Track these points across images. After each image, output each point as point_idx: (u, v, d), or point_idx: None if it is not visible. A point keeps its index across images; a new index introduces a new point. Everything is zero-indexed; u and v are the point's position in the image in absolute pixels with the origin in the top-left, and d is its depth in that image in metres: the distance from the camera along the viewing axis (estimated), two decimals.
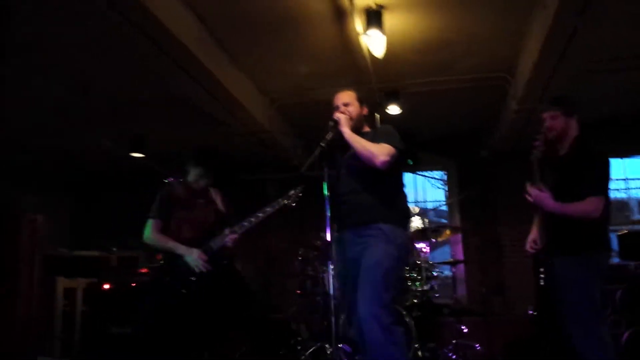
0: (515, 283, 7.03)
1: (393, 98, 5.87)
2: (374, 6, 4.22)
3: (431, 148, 7.66)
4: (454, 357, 4.83)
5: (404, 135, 3.09)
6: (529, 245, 3.45)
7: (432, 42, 4.94)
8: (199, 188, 3.81)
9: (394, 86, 5.82)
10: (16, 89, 5.52)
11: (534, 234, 3.46)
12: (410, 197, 8.63)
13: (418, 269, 5.04)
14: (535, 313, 4.54)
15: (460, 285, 7.61)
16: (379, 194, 3.02)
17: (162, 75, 5.09)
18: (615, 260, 5.52)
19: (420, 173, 8.20)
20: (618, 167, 8.46)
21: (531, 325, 4.77)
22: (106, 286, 5.78)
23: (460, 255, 7.63)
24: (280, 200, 3.45)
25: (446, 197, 8.48)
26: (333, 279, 3.00)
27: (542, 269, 3.31)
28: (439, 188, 8.60)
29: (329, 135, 3.06)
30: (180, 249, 3.57)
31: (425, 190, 9.23)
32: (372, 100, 5.55)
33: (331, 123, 3.09)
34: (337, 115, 3.11)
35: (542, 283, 3.31)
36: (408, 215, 3.37)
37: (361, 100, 3.26)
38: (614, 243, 5.56)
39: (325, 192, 3.02)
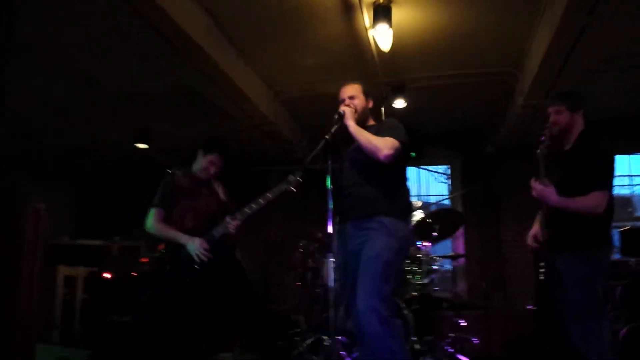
0: (516, 279, 7.04)
1: (399, 92, 5.86)
2: (382, 0, 4.20)
3: (436, 142, 7.66)
4: (451, 350, 4.83)
5: (409, 129, 3.09)
6: (529, 240, 3.44)
7: (439, 37, 4.93)
8: (205, 177, 3.80)
9: (400, 80, 5.81)
10: (21, 83, 5.54)
11: (535, 229, 3.45)
12: (414, 191, 8.62)
13: (418, 262, 5.03)
14: (534, 308, 4.54)
15: (461, 280, 7.62)
16: (382, 187, 3.02)
17: (168, 68, 5.11)
18: (616, 256, 5.52)
19: (424, 167, 8.20)
20: (622, 164, 8.44)
21: (530, 321, 4.78)
22: (107, 275, 5.80)
23: (461, 250, 7.64)
24: (280, 185, 3.44)
25: (449, 191, 8.46)
26: (332, 271, 2.99)
27: (542, 264, 3.30)
28: (442, 182, 8.58)
29: (334, 128, 3.05)
30: (182, 238, 3.57)
31: (428, 184, 9.22)
32: (378, 94, 5.54)
33: (336, 116, 3.08)
34: (343, 108, 3.11)
35: (541, 277, 3.30)
36: (410, 208, 3.37)
37: (367, 94, 3.25)
38: (616, 239, 5.56)
39: (329, 184, 3.01)
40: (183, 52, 4.56)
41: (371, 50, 4.92)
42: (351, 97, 3.19)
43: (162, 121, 6.93)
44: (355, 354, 4.25)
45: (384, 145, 2.92)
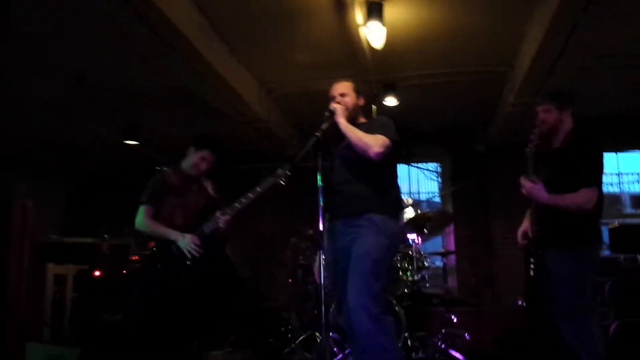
0: (506, 275, 7.08)
1: (390, 90, 5.86)
2: None
3: (427, 140, 7.68)
4: (442, 346, 4.86)
5: (399, 127, 3.09)
6: (519, 237, 3.46)
7: (431, 35, 4.93)
8: (195, 174, 3.79)
9: (391, 78, 5.81)
10: (14, 81, 5.51)
11: (524, 226, 3.48)
12: (404, 189, 8.64)
13: (409, 259, 5.05)
14: (524, 305, 4.57)
15: (451, 276, 7.66)
16: (372, 184, 3.02)
17: (161, 66, 5.10)
18: (605, 252, 5.57)
19: (415, 165, 8.22)
20: (611, 162, 8.51)
21: (520, 316, 4.81)
22: (97, 273, 5.77)
23: (452, 246, 7.67)
24: (269, 179, 3.43)
25: (439, 188, 8.49)
26: (324, 268, 3.00)
27: (532, 260, 3.33)
28: (432, 180, 8.62)
29: (324, 126, 3.05)
30: (173, 234, 3.55)
31: (419, 181, 9.25)
32: (370, 92, 5.54)
33: (327, 113, 3.08)
34: (333, 106, 3.11)
35: (531, 274, 3.33)
36: (400, 205, 3.37)
37: (358, 91, 3.25)
38: (605, 236, 5.60)
39: (319, 182, 3.02)
40: (176, 50, 4.54)
41: (363, 48, 4.91)
42: (342, 95, 3.18)
43: (154, 119, 6.91)
44: (347, 351, 4.26)
45: (374, 143, 2.92)
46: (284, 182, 3.26)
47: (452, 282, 7.59)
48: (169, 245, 3.55)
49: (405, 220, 5.41)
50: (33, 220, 4.78)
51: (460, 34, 4.92)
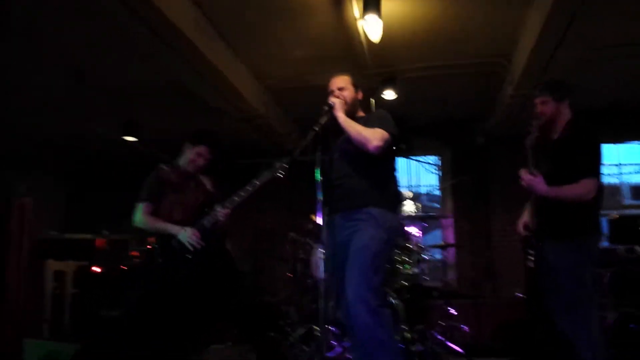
0: (505, 268, 7.08)
1: (389, 83, 5.83)
2: None
3: (426, 133, 7.66)
4: (442, 338, 4.86)
5: (398, 120, 3.08)
6: (520, 228, 3.46)
7: (429, 28, 4.91)
8: (192, 170, 3.79)
9: (390, 71, 5.78)
10: (12, 78, 5.50)
11: (525, 217, 3.48)
12: (404, 182, 8.63)
13: (409, 252, 5.05)
14: (523, 297, 4.58)
15: (451, 269, 7.67)
16: (371, 178, 3.02)
17: (158, 61, 5.07)
18: (605, 244, 5.57)
19: (414, 158, 8.20)
20: (611, 153, 8.50)
21: (520, 308, 4.81)
22: (96, 269, 5.77)
23: (451, 239, 7.67)
24: (267, 172, 3.44)
25: (439, 182, 8.48)
26: (322, 262, 3.00)
27: (531, 252, 3.32)
28: (432, 173, 8.60)
29: (323, 120, 3.05)
30: (173, 228, 3.56)
31: (419, 174, 9.23)
32: (368, 85, 5.53)
33: (325, 107, 3.08)
34: (332, 100, 3.11)
35: (531, 265, 3.32)
36: (399, 199, 3.37)
37: (356, 85, 3.25)
38: (604, 227, 5.60)
39: (318, 176, 3.01)
40: (173, 47, 4.53)
41: (361, 41, 4.89)
42: (340, 89, 3.18)
43: (153, 116, 6.89)
44: (346, 344, 4.27)
45: (373, 137, 2.92)
46: (282, 175, 3.26)
47: (451, 275, 7.60)
48: (169, 240, 3.55)
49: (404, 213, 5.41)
50: (32, 218, 4.77)
51: (458, 26, 4.90)
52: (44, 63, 5.34)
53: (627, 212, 7.70)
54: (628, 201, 9.65)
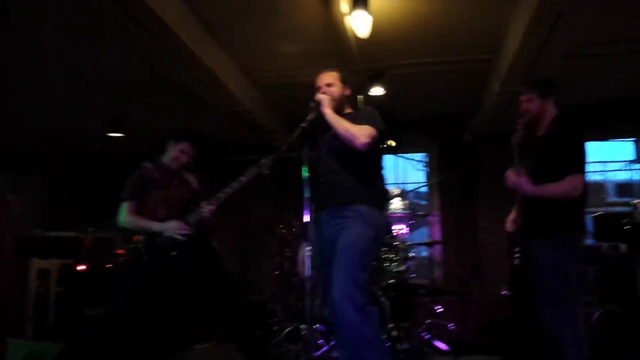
0: (491, 265, 7.11)
1: (377, 79, 5.82)
2: None
3: (414, 130, 7.67)
4: (427, 336, 4.88)
5: (386, 117, 3.07)
6: (508, 225, 3.47)
7: (417, 24, 4.90)
8: (175, 167, 3.77)
9: (378, 67, 5.77)
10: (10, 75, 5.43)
11: (514, 214, 3.49)
12: (391, 179, 8.65)
13: (395, 249, 5.05)
14: (509, 294, 4.59)
15: (437, 266, 7.68)
16: (358, 175, 3.01)
17: (145, 54, 5.04)
18: (589, 241, 5.61)
19: (402, 155, 8.21)
20: (596, 150, 8.57)
21: (505, 306, 4.83)
22: (81, 267, 5.72)
23: (438, 236, 7.70)
24: (253, 169, 3.42)
25: (426, 178, 8.50)
26: (309, 259, 2.98)
27: (517, 249, 3.34)
28: (420, 170, 8.62)
29: (311, 116, 3.03)
30: (157, 225, 3.55)
31: (406, 171, 9.24)
32: (356, 82, 5.51)
33: (313, 104, 3.06)
34: (319, 96, 3.08)
35: (516, 262, 3.34)
36: (386, 196, 3.37)
37: (344, 81, 3.23)
38: (589, 224, 5.64)
39: (305, 173, 3.00)
40: (157, 38, 4.47)
41: (349, 37, 4.88)
42: (328, 85, 3.17)
43: (139, 110, 6.83)
44: (333, 342, 4.26)
45: (360, 134, 2.91)
46: (267, 171, 3.24)
47: (437, 272, 7.62)
48: (154, 238, 3.54)
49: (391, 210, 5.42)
50: (14, 215, 4.71)
51: (445, 23, 4.90)
52: (28, 56, 5.26)
53: (612, 209, 7.77)
54: (612, 198, 9.74)
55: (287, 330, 4.81)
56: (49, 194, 9.25)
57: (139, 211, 3.63)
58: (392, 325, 4.47)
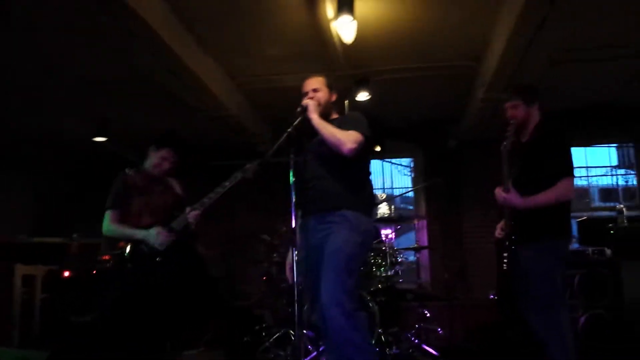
0: (477, 269, 7.14)
1: (363, 85, 5.82)
2: None
3: (399, 135, 7.70)
4: (416, 341, 4.89)
5: (372, 122, 3.08)
6: (497, 232, 3.48)
7: (403, 29, 4.91)
8: (158, 173, 3.75)
9: (363, 73, 5.78)
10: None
11: (503, 222, 3.50)
12: (378, 184, 8.66)
13: (383, 254, 5.06)
14: (496, 297, 4.62)
15: (424, 271, 7.71)
16: (345, 180, 3.01)
17: (127, 56, 4.98)
18: (574, 245, 5.67)
19: (388, 160, 8.23)
20: (579, 156, 8.66)
21: (493, 310, 4.86)
22: (66, 273, 5.66)
23: (425, 241, 7.72)
24: (237, 174, 3.42)
25: (412, 184, 8.53)
26: (296, 265, 2.98)
27: (505, 254, 3.36)
28: (405, 175, 8.65)
29: (297, 121, 3.03)
30: (139, 233, 3.53)
31: (392, 176, 9.27)
32: (342, 87, 5.52)
33: (299, 109, 3.06)
34: (306, 102, 3.08)
35: (504, 267, 3.36)
36: (373, 202, 3.37)
37: (330, 87, 3.23)
38: (574, 229, 5.70)
39: (291, 178, 3.00)
40: (140, 40, 4.44)
41: (334, 42, 4.88)
42: (315, 90, 3.17)
43: (122, 113, 6.76)
44: (321, 348, 4.26)
45: (347, 139, 2.92)
46: (252, 176, 3.24)
47: (425, 276, 7.65)
48: (138, 244, 3.52)
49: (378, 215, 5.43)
50: None
51: (431, 28, 4.92)
52: (10, 55, 5.20)
53: (596, 214, 7.84)
54: (597, 203, 9.84)
55: (275, 336, 4.80)
56: (34, 199, 9.14)
57: (123, 219, 3.61)
58: (381, 330, 4.48)
